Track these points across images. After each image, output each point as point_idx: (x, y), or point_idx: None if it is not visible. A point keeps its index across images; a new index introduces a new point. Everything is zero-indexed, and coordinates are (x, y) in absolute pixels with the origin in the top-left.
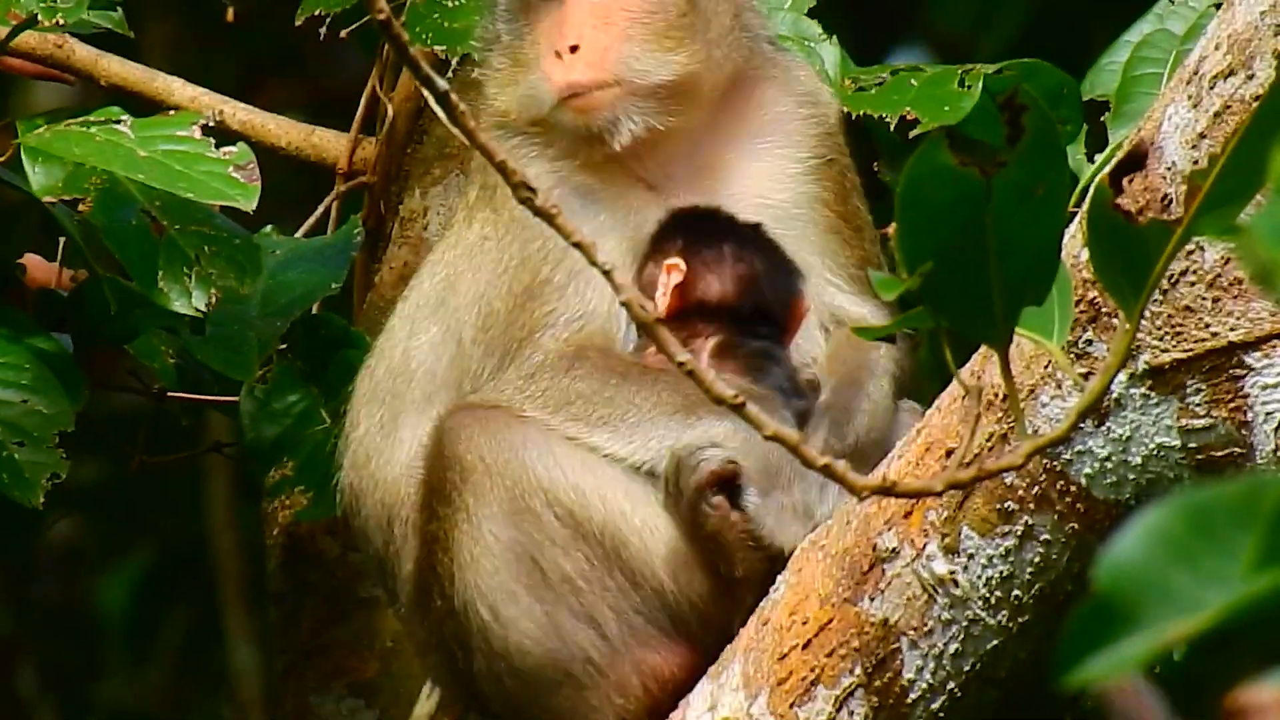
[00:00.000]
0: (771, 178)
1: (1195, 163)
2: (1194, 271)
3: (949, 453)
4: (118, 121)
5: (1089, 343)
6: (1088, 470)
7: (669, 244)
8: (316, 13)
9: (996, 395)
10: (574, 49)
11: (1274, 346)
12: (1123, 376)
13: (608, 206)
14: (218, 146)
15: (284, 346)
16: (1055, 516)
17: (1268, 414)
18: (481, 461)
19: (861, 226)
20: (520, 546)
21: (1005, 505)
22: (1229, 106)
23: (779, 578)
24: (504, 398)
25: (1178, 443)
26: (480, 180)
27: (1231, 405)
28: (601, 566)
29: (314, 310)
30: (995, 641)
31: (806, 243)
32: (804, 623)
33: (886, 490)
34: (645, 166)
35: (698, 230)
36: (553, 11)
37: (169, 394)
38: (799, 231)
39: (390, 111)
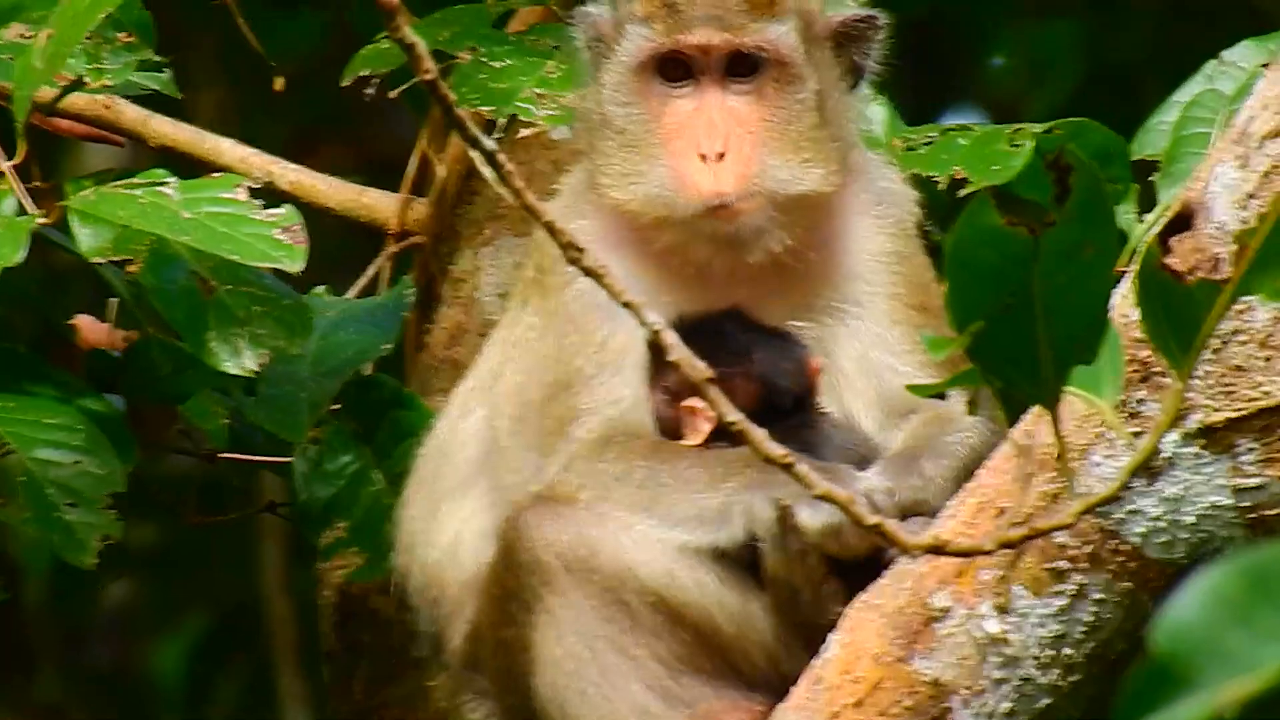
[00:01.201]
0: (831, 274)
1: (1244, 222)
2: (1245, 330)
3: (1001, 512)
4: (163, 184)
5: (1141, 402)
6: (1140, 530)
7: (669, 383)
8: (365, 73)
9: (1048, 455)
10: (721, 156)
11: None
12: (1175, 435)
13: (666, 290)
14: (267, 208)
15: (336, 407)
16: (1107, 576)
17: None
18: (560, 561)
19: (941, 314)
20: (608, 641)
21: (1057, 565)
22: (1278, 166)
23: (831, 637)
24: (552, 491)
25: (1230, 502)
26: (535, 260)
27: None
28: (695, 644)
29: (366, 371)
30: (1047, 701)
31: (866, 334)
32: (856, 681)
33: (938, 549)
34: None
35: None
36: (683, 107)
37: (221, 455)
38: (853, 323)
39: (441, 172)
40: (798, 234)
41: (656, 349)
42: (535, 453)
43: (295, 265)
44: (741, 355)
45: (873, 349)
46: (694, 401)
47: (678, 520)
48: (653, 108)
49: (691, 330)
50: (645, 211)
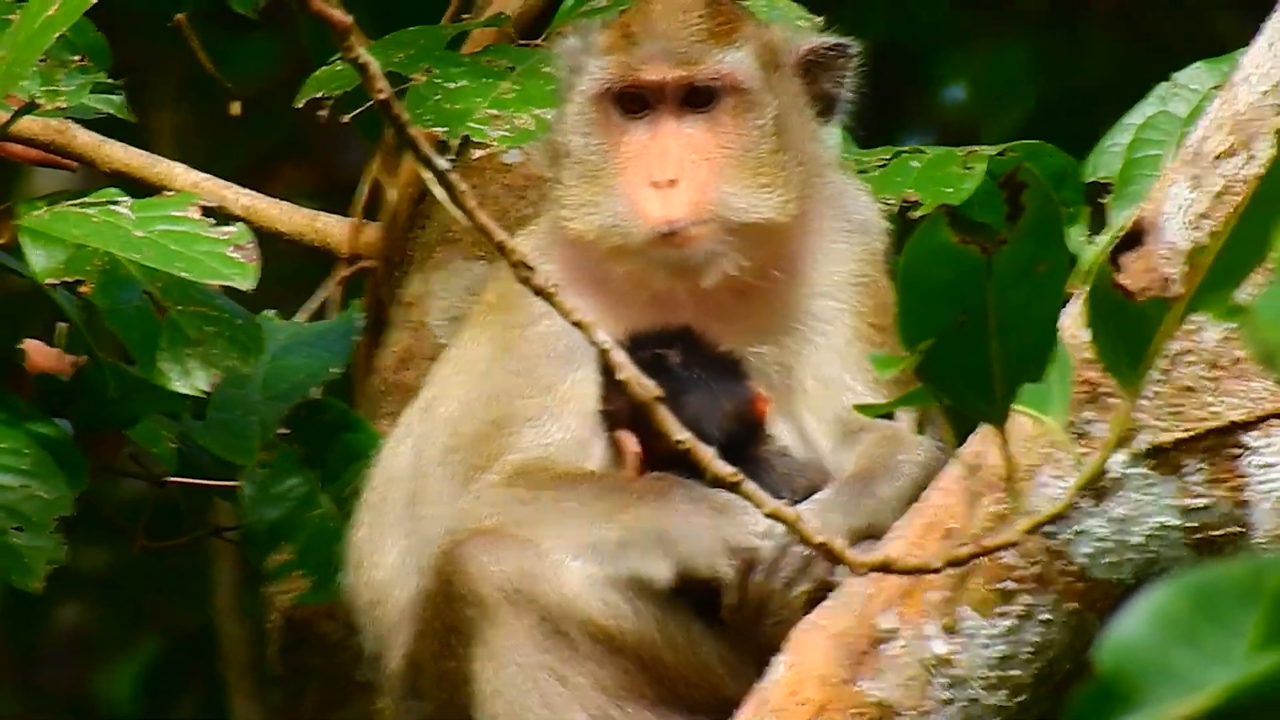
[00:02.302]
0: (796, 296)
1: (1195, 242)
2: (1194, 351)
3: (949, 532)
4: (115, 202)
5: (1089, 422)
6: (1087, 550)
7: (613, 407)
8: (319, 95)
9: (996, 475)
10: (672, 183)
11: (1272, 426)
12: (1123, 456)
13: (626, 315)
14: (219, 226)
15: (285, 431)
16: (1054, 596)
17: (1266, 493)
18: (499, 593)
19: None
20: (549, 671)
21: (1004, 585)
22: (1230, 187)
23: (778, 658)
24: (462, 520)
25: (1177, 522)
26: (496, 288)
27: (1230, 485)
28: (636, 672)
29: (315, 395)
30: None
31: (828, 351)
32: (802, 703)
33: (885, 568)
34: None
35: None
36: (640, 136)
37: (170, 479)
38: (816, 340)
39: (393, 196)
40: (758, 259)
41: (606, 370)
42: (456, 484)
43: (248, 283)
44: (672, 399)
45: (833, 369)
46: (623, 432)
47: (578, 548)
48: (610, 138)
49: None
50: (601, 241)
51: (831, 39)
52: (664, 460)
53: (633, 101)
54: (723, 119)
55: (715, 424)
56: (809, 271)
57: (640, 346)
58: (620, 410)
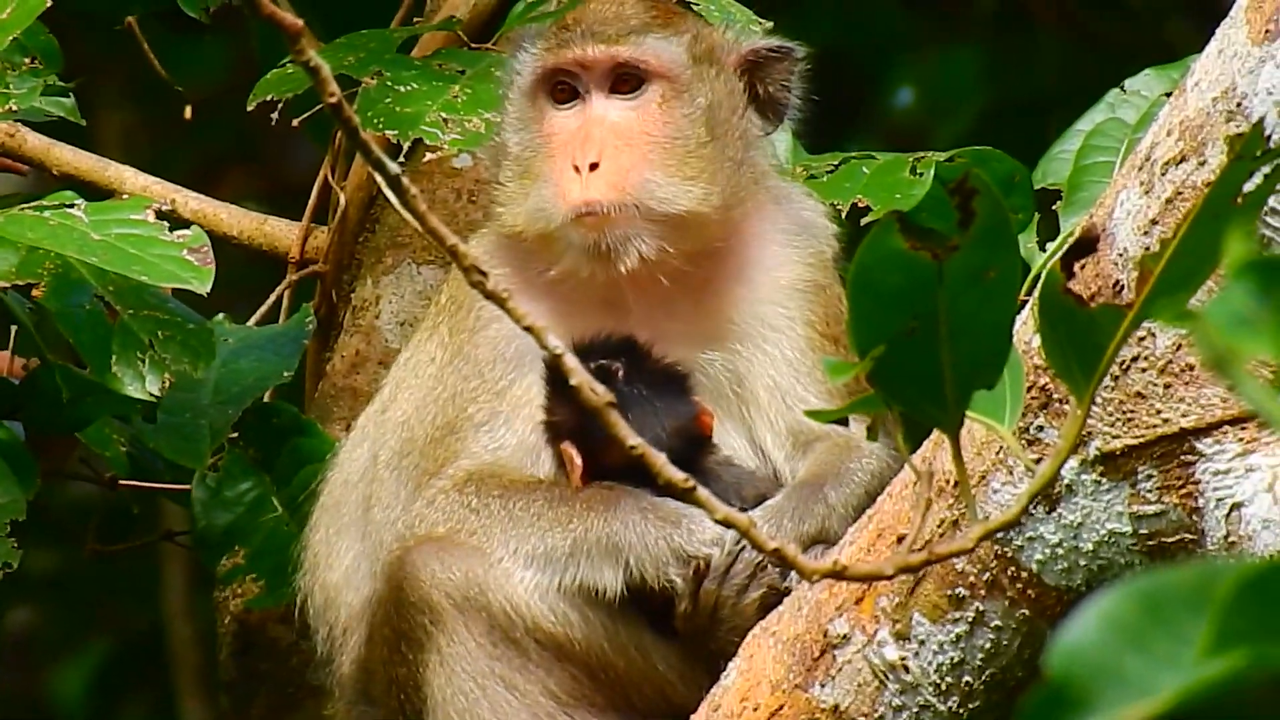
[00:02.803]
0: (745, 300)
1: (1147, 249)
2: (1145, 358)
3: (900, 539)
4: (71, 205)
5: (1040, 429)
6: (1039, 556)
7: (555, 416)
8: (269, 99)
9: (948, 482)
10: (594, 166)
11: (1225, 433)
12: (1074, 462)
13: (577, 322)
14: (171, 231)
15: (235, 435)
16: (1006, 603)
17: (1219, 500)
18: (449, 600)
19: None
20: (499, 678)
21: (956, 591)
22: (1180, 192)
23: (730, 664)
24: (413, 527)
25: (1129, 529)
26: (450, 291)
27: (1182, 491)
28: (586, 679)
29: (266, 398)
30: None
31: (780, 361)
32: (755, 709)
33: (838, 574)
34: (623, 287)
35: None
36: (569, 125)
37: (121, 482)
38: (768, 350)
39: (342, 200)
40: (682, 249)
41: (553, 380)
42: (408, 489)
43: (204, 286)
44: (630, 413)
45: (785, 378)
46: (566, 444)
47: (528, 557)
48: (542, 129)
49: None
50: (528, 228)
51: (775, 41)
52: (608, 471)
53: (563, 91)
54: (650, 106)
55: (658, 440)
56: (755, 275)
57: (584, 358)
58: (564, 421)
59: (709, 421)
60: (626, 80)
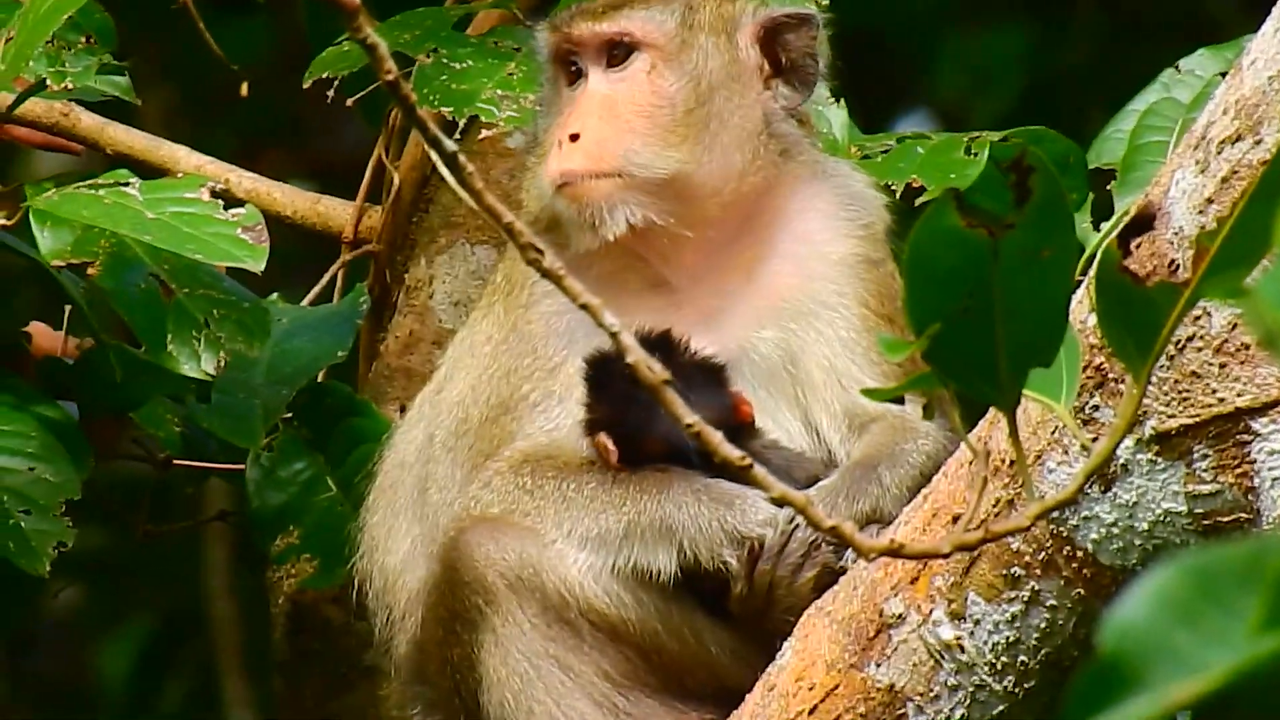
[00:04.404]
0: (796, 276)
1: (1203, 227)
2: (1201, 337)
3: (955, 518)
4: (126, 184)
5: (1095, 408)
6: (1094, 536)
7: (591, 411)
8: (324, 76)
9: (1003, 460)
10: (574, 138)
11: None
12: (1129, 442)
13: (626, 303)
14: (226, 209)
15: (289, 415)
16: (1061, 582)
17: (1274, 479)
18: (503, 581)
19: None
20: (553, 659)
21: (1012, 571)
22: (1236, 171)
23: (785, 644)
24: (469, 508)
25: (1184, 508)
26: (505, 270)
27: (1238, 471)
28: (640, 660)
29: (319, 378)
30: (1001, 707)
31: (834, 341)
32: (810, 689)
33: (894, 552)
34: (669, 266)
35: (611, 391)
36: (572, 101)
37: (174, 462)
38: (822, 329)
39: (396, 180)
40: (684, 218)
41: (591, 375)
42: (464, 470)
43: (258, 265)
44: (650, 409)
45: (840, 358)
46: (603, 436)
47: (582, 538)
48: (555, 109)
49: (609, 371)
50: (533, 206)
51: (791, 9)
52: (644, 464)
53: (574, 71)
54: (638, 77)
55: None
56: (804, 251)
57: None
58: (602, 416)
59: (748, 410)
60: (618, 54)
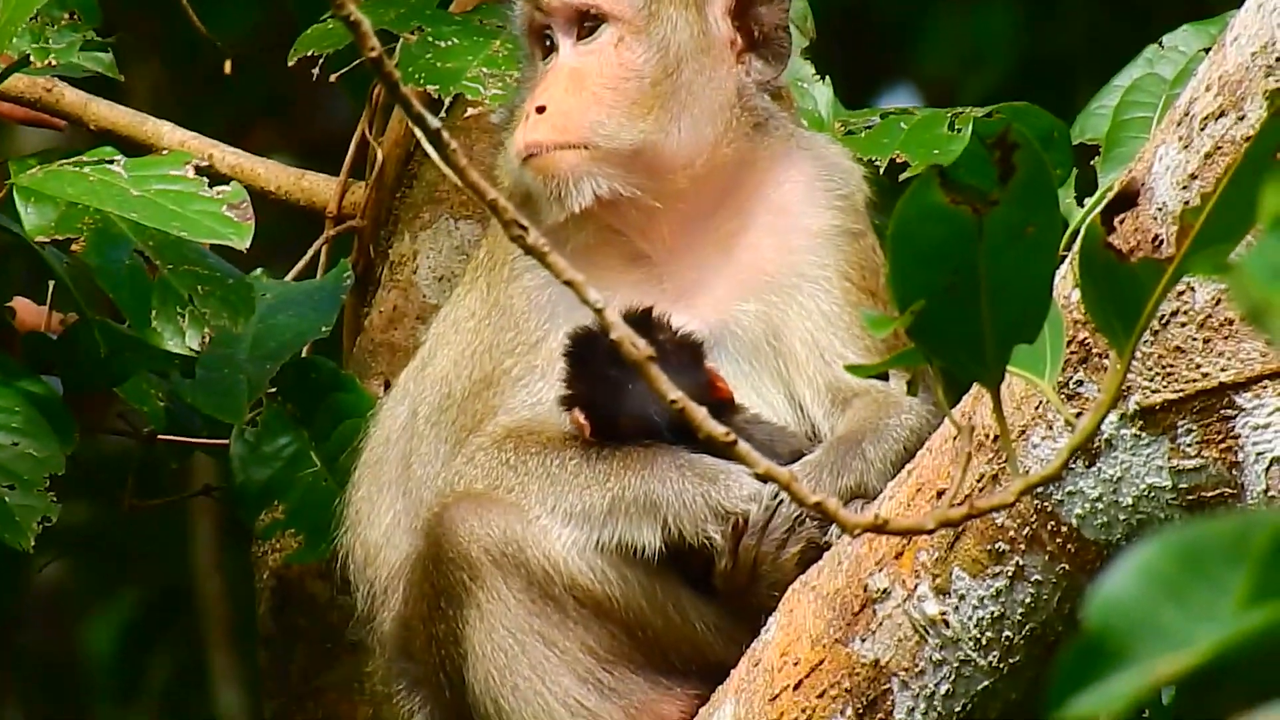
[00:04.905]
0: (776, 249)
1: (1186, 203)
2: (1185, 312)
3: (940, 493)
4: (111, 161)
5: (1080, 383)
6: (1078, 511)
7: (569, 387)
8: (309, 54)
9: (988, 436)
10: (541, 110)
11: (1264, 387)
12: (1113, 417)
13: (605, 278)
14: (211, 187)
15: (274, 390)
16: (1046, 557)
17: (1258, 454)
18: (488, 557)
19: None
20: (538, 635)
21: (996, 546)
22: (1220, 147)
23: (770, 619)
24: (452, 483)
25: (1168, 483)
26: (488, 246)
27: (1222, 446)
28: (624, 636)
29: (304, 354)
30: (986, 682)
31: (816, 314)
32: (795, 663)
33: (879, 528)
34: (647, 240)
35: (587, 370)
36: (542, 77)
37: (158, 437)
38: (804, 302)
39: (380, 156)
40: (652, 190)
41: (570, 354)
42: (447, 445)
43: (243, 242)
44: (626, 386)
45: (823, 333)
46: (577, 412)
47: (566, 514)
48: (529, 83)
49: (589, 347)
50: (505, 181)
51: None
52: (619, 440)
53: (547, 42)
54: (606, 49)
55: (664, 411)
56: (783, 223)
57: (599, 331)
58: (579, 394)
59: (723, 388)
60: (588, 26)
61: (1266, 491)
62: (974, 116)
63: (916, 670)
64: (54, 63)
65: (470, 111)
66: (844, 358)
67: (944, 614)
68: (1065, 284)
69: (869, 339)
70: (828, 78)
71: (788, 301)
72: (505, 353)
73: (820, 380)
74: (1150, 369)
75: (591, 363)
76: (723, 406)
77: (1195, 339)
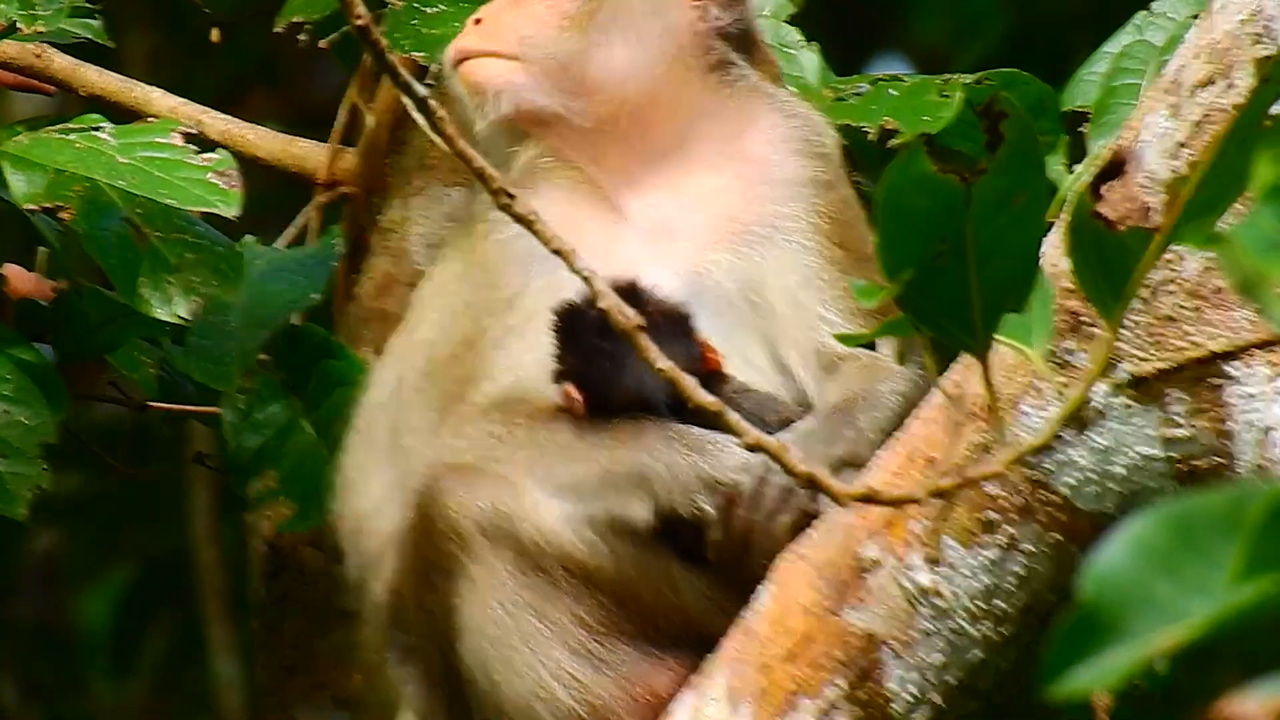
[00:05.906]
0: (746, 197)
1: (1175, 172)
2: (1175, 281)
3: (930, 462)
4: (98, 128)
5: (1070, 352)
6: (1070, 481)
7: (560, 362)
8: (297, 20)
9: (978, 405)
10: (478, 22)
11: (1254, 356)
12: (1104, 386)
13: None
14: (201, 153)
15: (265, 357)
16: (1038, 527)
17: (1249, 423)
18: (477, 528)
19: (867, 260)
20: (529, 607)
21: (987, 516)
22: (1209, 115)
23: (761, 588)
24: (442, 455)
25: (1160, 453)
26: (469, 211)
27: (1212, 415)
28: (615, 608)
29: (295, 321)
30: (979, 653)
31: (793, 269)
32: (787, 633)
33: (869, 498)
34: (599, 167)
35: (579, 342)
36: None
37: (150, 405)
38: (780, 256)
39: (370, 122)
40: (595, 113)
41: (559, 328)
42: (434, 412)
43: (231, 210)
44: (616, 360)
45: (802, 290)
46: (569, 386)
47: (555, 486)
48: None
49: (577, 321)
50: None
51: None
52: (613, 414)
53: None
54: None
55: (659, 384)
56: (752, 171)
57: (585, 304)
58: (569, 366)
59: (714, 358)
60: None
61: (1258, 461)
62: (963, 83)
63: (909, 640)
64: (42, 29)
65: None
66: (824, 317)
67: (936, 584)
68: (1055, 252)
69: (849, 299)
70: (815, 43)
71: (762, 254)
72: (483, 311)
73: (806, 342)
74: (1140, 338)
75: (582, 336)
76: (712, 378)
77: (1185, 307)
